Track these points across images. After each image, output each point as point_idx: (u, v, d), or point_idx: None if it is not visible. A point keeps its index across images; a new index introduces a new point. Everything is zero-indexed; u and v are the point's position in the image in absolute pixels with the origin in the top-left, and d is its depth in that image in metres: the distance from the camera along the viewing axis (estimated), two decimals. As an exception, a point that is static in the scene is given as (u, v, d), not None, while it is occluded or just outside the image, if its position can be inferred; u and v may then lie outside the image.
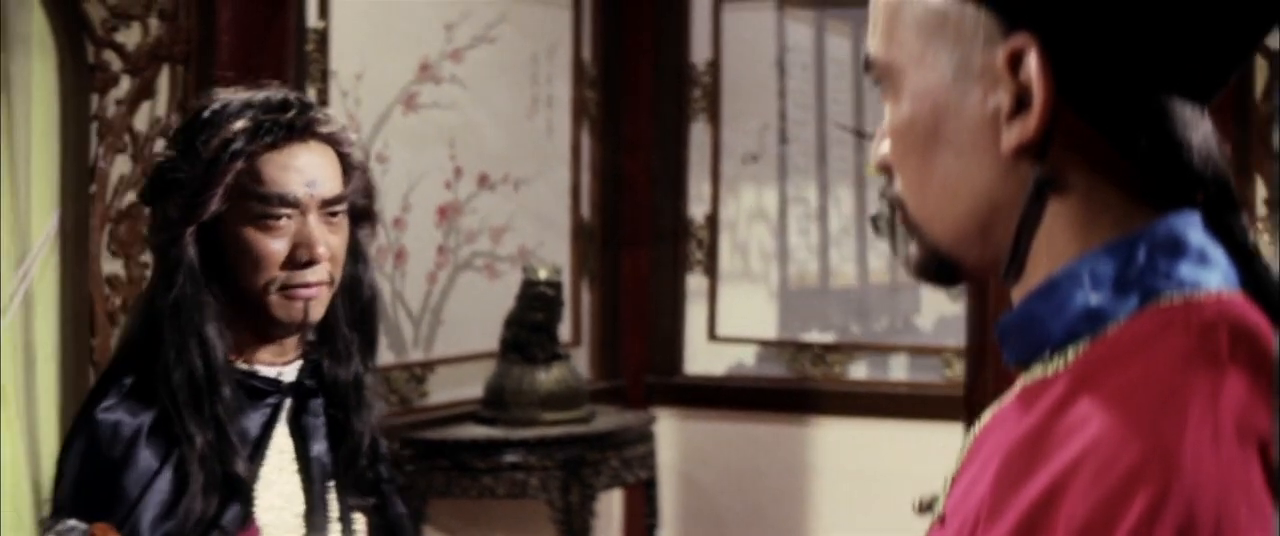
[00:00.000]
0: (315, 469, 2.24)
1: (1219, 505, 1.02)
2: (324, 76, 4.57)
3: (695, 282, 5.86)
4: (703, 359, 5.86)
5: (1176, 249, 1.15)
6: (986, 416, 1.28)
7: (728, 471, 5.75)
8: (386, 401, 2.33)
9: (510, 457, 4.82)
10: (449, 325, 5.13)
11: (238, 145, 2.11)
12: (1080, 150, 1.16)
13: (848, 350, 5.70)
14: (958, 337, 5.47)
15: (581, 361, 5.47)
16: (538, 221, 5.49)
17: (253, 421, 2.21)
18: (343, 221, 2.21)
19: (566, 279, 5.22)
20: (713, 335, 5.83)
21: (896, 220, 1.28)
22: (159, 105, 3.79)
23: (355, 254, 2.27)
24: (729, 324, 5.82)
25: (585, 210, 5.71)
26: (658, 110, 5.82)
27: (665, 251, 5.84)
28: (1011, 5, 1.14)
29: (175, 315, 2.14)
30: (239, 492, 2.15)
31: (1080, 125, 1.15)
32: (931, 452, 5.30)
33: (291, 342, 2.26)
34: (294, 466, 2.24)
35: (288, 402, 2.25)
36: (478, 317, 5.15)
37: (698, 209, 5.85)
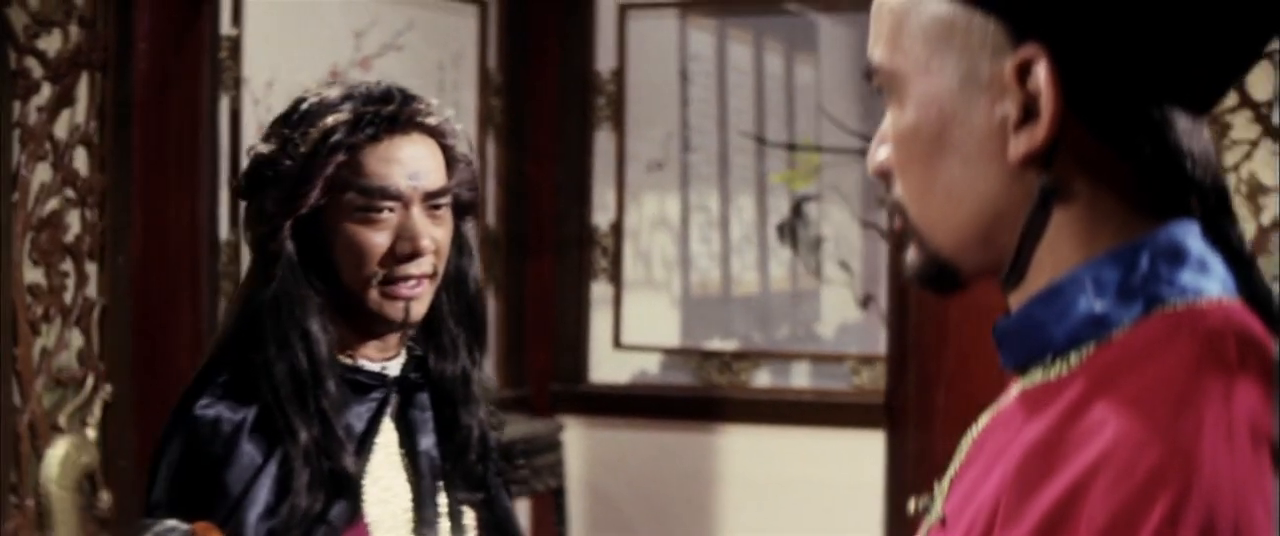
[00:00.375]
0: (423, 464, 2.20)
1: (1237, 506, 1.04)
2: (236, 84, 4.55)
3: (600, 291, 5.86)
4: (608, 367, 5.86)
5: (1178, 257, 1.18)
6: (984, 419, 1.30)
7: (634, 479, 5.76)
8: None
9: (421, 466, 4.82)
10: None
11: (338, 137, 2.07)
12: (1084, 159, 1.18)
13: (753, 358, 5.71)
14: (859, 345, 5.53)
15: (487, 370, 5.45)
16: (446, 230, 5.45)
17: (358, 416, 2.17)
18: (446, 214, 2.17)
19: (475, 287, 5.20)
20: (618, 343, 5.83)
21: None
22: (78, 112, 3.77)
23: (460, 247, 2.23)
24: (633, 332, 5.83)
25: (491, 218, 5.69)
26: (562, 118, 5.82)
27: (570, 259, 5.84)
28: (1022, 17, 1.16)
29: (275, 310, 2.11)
30: (346, 488, 2.11)
31: (1085, 135, 1.17)
32: (839, 460, 5.36)
33: (395, 338, 2.21)
34: (401, 461, 2.20)
35: (393, 397, 2.21)
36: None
37: (602, 217, 5.84)
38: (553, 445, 5.24)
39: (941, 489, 1.32)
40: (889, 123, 1.26)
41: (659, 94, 5.78)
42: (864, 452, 4.76)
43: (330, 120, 2.08)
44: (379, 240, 2.10)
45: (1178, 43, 1.16)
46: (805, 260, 5.61)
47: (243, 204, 2.20)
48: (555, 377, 5.84)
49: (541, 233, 5.84)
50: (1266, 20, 1.17)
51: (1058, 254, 1.20)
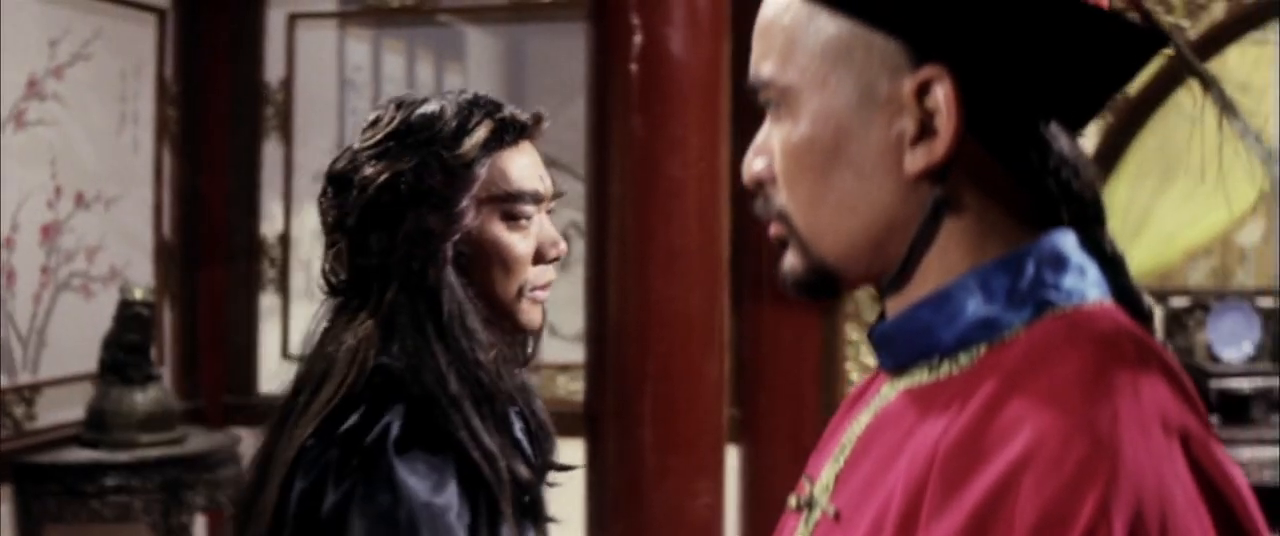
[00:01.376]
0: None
1: (1160, 494, 1.09)
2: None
3: (269, 301, 5.83)
4: (278, 378, 5.68)
5: (1060, 263, 1.24)
6: (865, 417, 1.35)
7: (303, 491, 5.70)
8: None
9: (113, 481, 4.74)
10: (53, 347, 4.99)
11: (491, 147, 2.03)
12: (975, 173, 1.24)
13: None
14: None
15: (165, 381, 5.38)
16: (126, 240, 5.37)
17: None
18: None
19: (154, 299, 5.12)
20: (285, 354, 5.81)
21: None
22: None
23: None
24: (299, 342, 5.73)
25: (166, 229, 5.60)
26: (234, 128, 5.76)
27: (239, 270, 5.79)
28: (924, 40, 1.22)
29: (447, 336, 1.99)
30: (540, 516, 2.06)
31: (977, 150, 1.23)
32: None
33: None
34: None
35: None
36: (79, 339, 5.02)
37: (270, 227, 5.81)
38: (230, 458, 5.19)
39: (823, 485, 1.35)
40: (775, 136, 1.30)
41: (324, 104, 5.77)
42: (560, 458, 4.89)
43: (482, 132, 2.04)
44: (527, 246, 2.06)
45: (1063, 66, 1.23)
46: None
47: (343, 230, 2.04)
48: (228, 389, 5.78)
49: (214, 243, 5.77)
50: (1138, 49, 1.24)
51: (946, 261, 1.26)
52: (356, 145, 2.08)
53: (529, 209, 2.07)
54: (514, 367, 2.09)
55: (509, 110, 2.09)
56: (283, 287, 5.81)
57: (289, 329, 5.82)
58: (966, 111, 1.21)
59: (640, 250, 4.25)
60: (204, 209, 5.75)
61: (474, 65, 5.72)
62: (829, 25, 1.25)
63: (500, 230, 2.05)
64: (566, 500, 4.38)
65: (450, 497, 1.92)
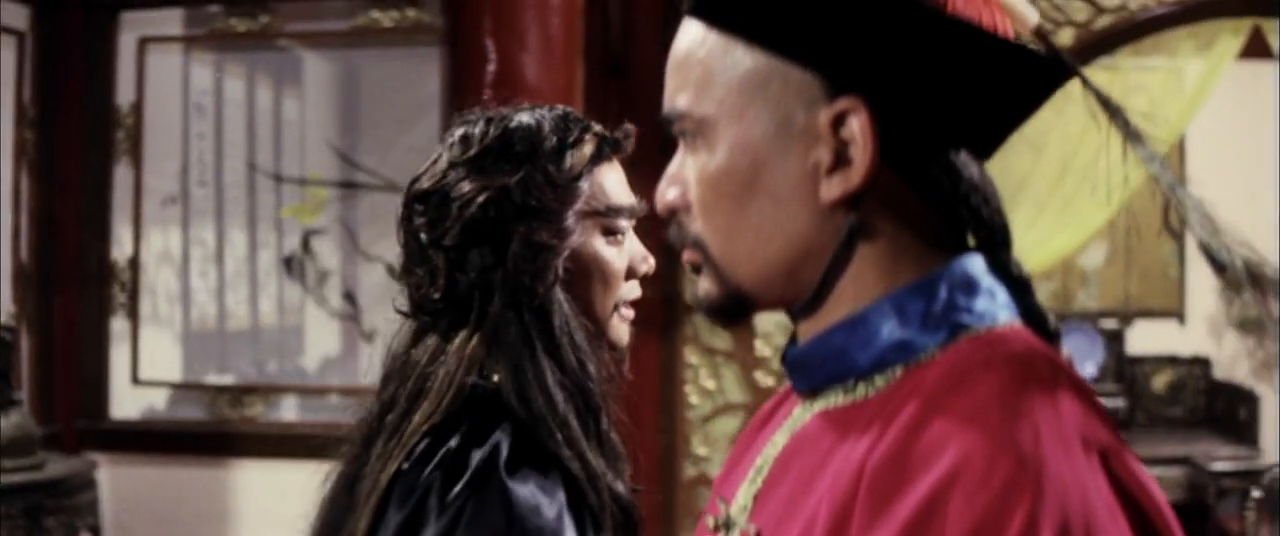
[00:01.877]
0: None
1: (1084, 506, 1.13)
2: None
3: (119, 326, 5.77)
4: (128, 402, 5.78)
5: (971, 287, 1.29)
6: (780, 438, 1.39)
7: (157, 517, 5.67)
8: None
9: (-21, 508, 4.69)
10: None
11: (593, 162, 2.01)
12: (888, 200, 1.28)
13: (263, 392, 5.70)
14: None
15: (25, 407, 5.31)
16: (-16, 265, 5.31)
17: None
18: None
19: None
20: (135, 379, 5.76)
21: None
22: None
23: None
24: (148, 367, 5.76)
25: (22, 253, 5.56)
26: (86, 151, 5.72)
27: (91, 294, 5.74)
28: (840, 73, 1.26)
29: (558, 353, 1.96)
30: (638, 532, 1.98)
31: (890, 178, 1.27)
32: None
33: None
34: None
35: None
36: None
37: (120, 252, 5.76)
38: (88, 484, 5.15)
39: (740, 505, 1.39)
40: (690, 166, 1.34)
41: (170, 128, 5.73)
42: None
43: (588, 146, 2.01)
44: (623, 262, 2.04)
45: (972, 97, 1.28)
46: (314, 293, 5.65)
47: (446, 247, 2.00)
48: (81, 414, 5.73)
49: (68, 267, 5.72)
50: (1043, 79, 1.30)
51: (860, 285, 1.30)
52: (444, 162, 2.03)
53: (625, 224, 2.05)
54: (613, 386, 2.06)
55: (598, 129, 2.06)
56: (133, 312, 5.76)
57: (139, 353, 5.76)
58: (881, 141, 1.25)
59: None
60: (58, 233, 5.71)
61: (312, 90, 5.70)
62: (746, 58, 1.29)
63: (600, 245, 2.02)
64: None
65: (563, 518, 1.85)
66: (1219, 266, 1.27)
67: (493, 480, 1.84)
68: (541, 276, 1.96)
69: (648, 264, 2.08)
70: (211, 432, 5.69)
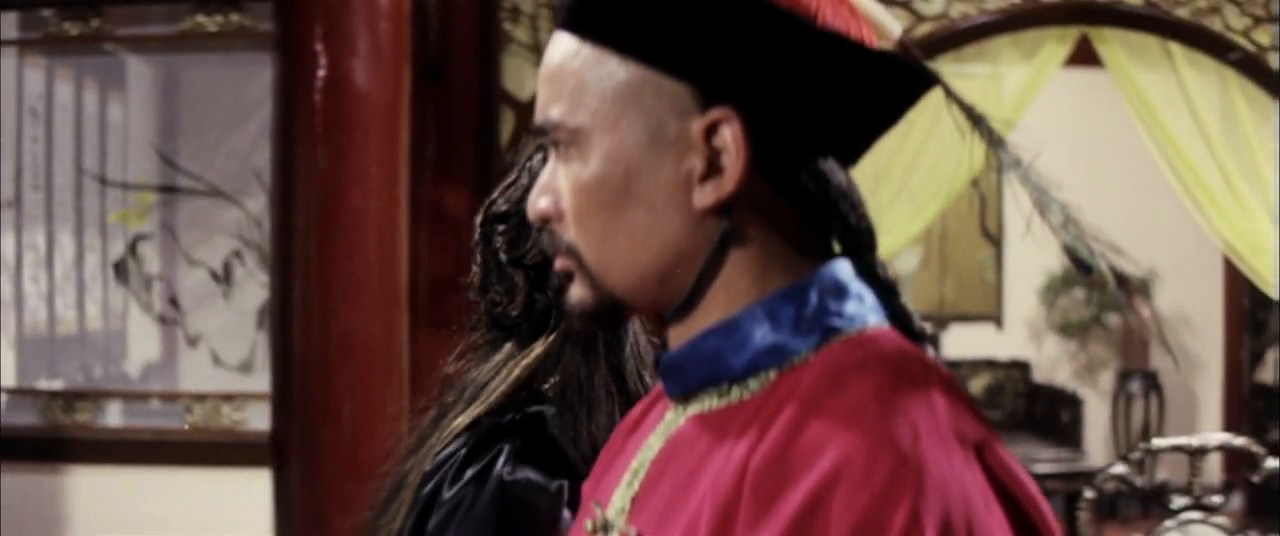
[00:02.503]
0: None
1: (964, 501, 1.17)
2: None
3: (-42, 333, 5.63)
4: None
5: (841, 291, 1.33)
6: (655, 442, 1.41)
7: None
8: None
9: None
10: None
11: None
12: (759, 207, 1.31)
13: (93, 397, 5.62)
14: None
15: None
16: None
17: None
18: None
19: None
20: (-29, 388, 5.63)
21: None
22: None
23: None
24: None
25: None
26: (-73, 158, 5.57)
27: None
28: (712, 84, 1.29)
29: (624, 367, 2.01)
30: None
31: (761, 185, 1.30)
32: (210, 499, 5.36)
33: None
34: None
35: None
36: None
37: (-43, 260, 5.63)
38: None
39: (618, 509, 1.41)
40: (563, 175, 1.35)
41: (6, 133, 5.63)
42: (216, 491, 4.84)
43: None
44: None
45: (840, 105, 1.31)
46: (139, 298, 5.60)
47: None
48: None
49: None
50: (908, 88, 1.33)
51: (732, 291, 1.33)
52: (523, 183, 2.08)
53: None
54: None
55: None
56: (-28, 319, 5.63)
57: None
58: (752, 150, 1.28)
59: (323, 280, 4.28)
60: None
61: (135, 95, 5.63)
62: (619, 70, 1.31)
63: None
64: (256, 529, 4.38)
65: (560, 503, 1.91)
66: (1084, 268, 1.30)
67: (492, 474, 1.93)
68: None
69: None
70: (45, 438, 5.59)
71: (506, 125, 5.07)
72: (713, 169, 1.30)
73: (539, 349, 2.03)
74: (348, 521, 4.25)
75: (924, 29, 5.06)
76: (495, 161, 5.04)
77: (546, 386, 2.01)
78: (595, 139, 1.32)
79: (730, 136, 1.28)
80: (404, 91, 4.32)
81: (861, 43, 1.32)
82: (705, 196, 1.30)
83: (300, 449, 4.36)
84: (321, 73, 4.25)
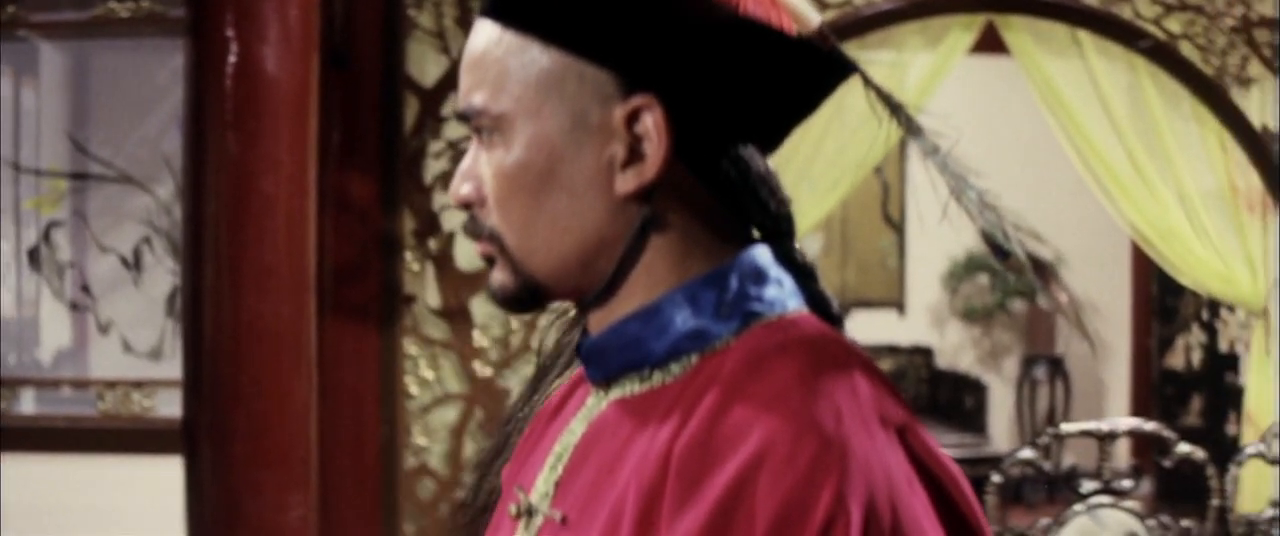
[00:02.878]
0: None
1: (888, 481, 1.20)
2: None
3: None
4: None
5: (761, 277, 1.35)
6: (578, 427, 1.43)
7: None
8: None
9: None
10: None
11: None
12: (680, 193, 1.34)
13: (10, 385, 5.57)
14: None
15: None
16: None
17: None
18: None
19: None
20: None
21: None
22: None
23: None
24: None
25: None
26: None
27: None
28: (635, 71, 1.32)
29: None
30: None
31: (682, 172, 1.33)
32: (102, 485, 5.34)
33: None
34: None
35: None
36: None
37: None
38: None
39: (541, 492, 1.43)
40: (485, 161, 1.37)
41: (-76, 119, 5.56)
42: (141, 478, 4.89)
43: None
44: None
45: (759, 93, 1.34)
46: (52, 285, 5.57)
47: None
48: None
49: None
50: (826, 76, 1.37)
51: (653, 276, 1.36)
52: None
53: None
54: None
55: None
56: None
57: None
58: (673, 137, 1.31)
59: (233, 267, 4.28)
60: None
61: (47, 82, 5.60)
62: (542, 57, 1.33)
63: None
64: (168, 515, 4.38)
65: None
66: (1002, 254, 1.34)
67: None
68: None
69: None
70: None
71: (411, 111, 5.06)
72: (634, 156, 1.32)
73: None
74: (255, 508, 4.30)
75: (828, 16, 5.07)
76: (399, 147, 5.04)
77: None
78: (518, 125, 1.34)
79: (652, 124, 1.31)
80: (313, 78, 4.32)
81: (781, 31, 1.34)
82: (627, 183, 1.33)
83: (211, 435, 4.35)
84: (232, 59, 4.24)
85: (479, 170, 1.39)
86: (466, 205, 1.40)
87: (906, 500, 1.22)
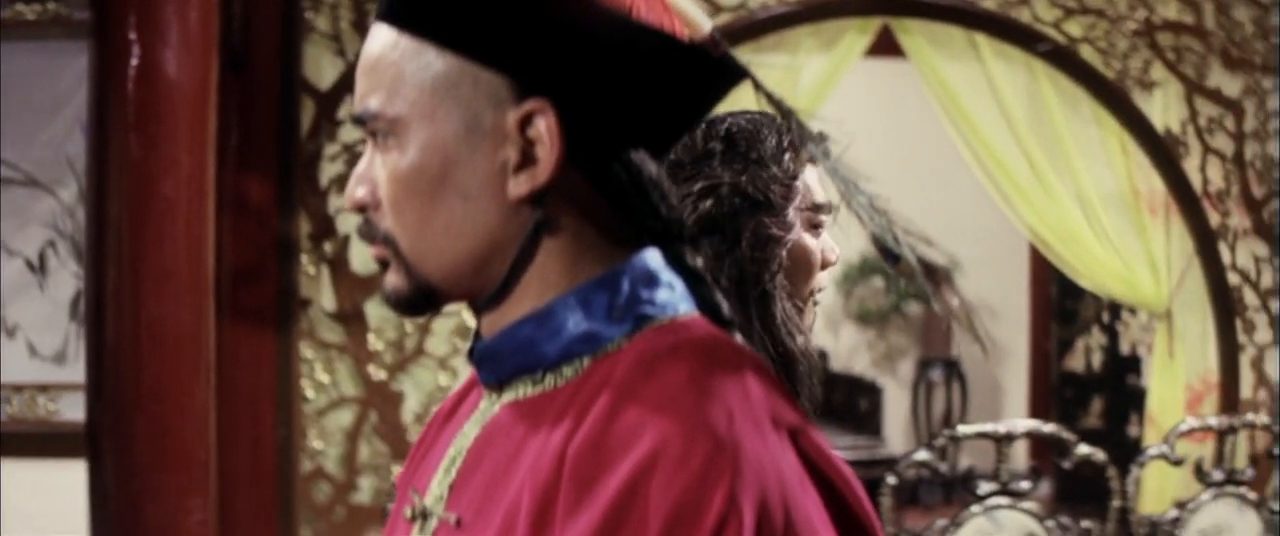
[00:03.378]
0: None
1: (780, 483, 1.21)
2: None
3: None
4: None
5: (652, 280, 1.36)
6: (471, 430, 1.43)
7: None
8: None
9: None
10: None
11: (805, 162, 2.10)
12: (572, 197, 1.34)
13: None
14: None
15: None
16: None
17: None
18: None
19: None
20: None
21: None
22: None
23: None
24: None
25: None
26: None
27: None
28: (527, 76, 1.32)
29: (779, 332, 2.07)
30: None
31: (574, 176, 1.33)
32: (8, 489, 5.29)
33: None
34: None
35: None
36: None
37: None
38: None
39: (436, 495, 1.42)
40: (380, 165, 1.37)
41: None
42: (46, 482, 4.85)
43: (803, 149, 2.08)
44: (819, 254, 2.13)
45: (650, 98, 1.35)
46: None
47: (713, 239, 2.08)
48: None
49: None
50: (716, 81, 1.37)
51: (545, 280, 1.35)
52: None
53: (825, 219, 2.14)
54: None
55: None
56: None
57: None
58: (566, 141, 1.31)
59: (134, 270, 4.28)
60: None
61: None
62: (437, 61, 1.33)
63: (808, 238, 2.11)
64: (73, 519, 4.36)
65: None
66: (892, 258, 1.35)
67: None
68: (768, 265, 2.06)
69: (835, 254, 2.17)
70: None
71: (307, 114, 5.06)
72: (527, 159, 1.32)
73: None
74: (156, 511, 4.30)
75: (723, 18, 5.08)
76: (296, 150, 5.03)
77: None
78: (413, 129, 1.34)
79: (544, 128, 1.31)
80: (212, 80, 4.33)
81: (673, 36, 1.35)
82: (520, 186, 1.33)
83: (113, 439, 4.35)
84: (134, 62, 4.24)
85: (374, 173, 1.39)
86: (361, 208, 1.40)
87: (799, 500, 1.23)
